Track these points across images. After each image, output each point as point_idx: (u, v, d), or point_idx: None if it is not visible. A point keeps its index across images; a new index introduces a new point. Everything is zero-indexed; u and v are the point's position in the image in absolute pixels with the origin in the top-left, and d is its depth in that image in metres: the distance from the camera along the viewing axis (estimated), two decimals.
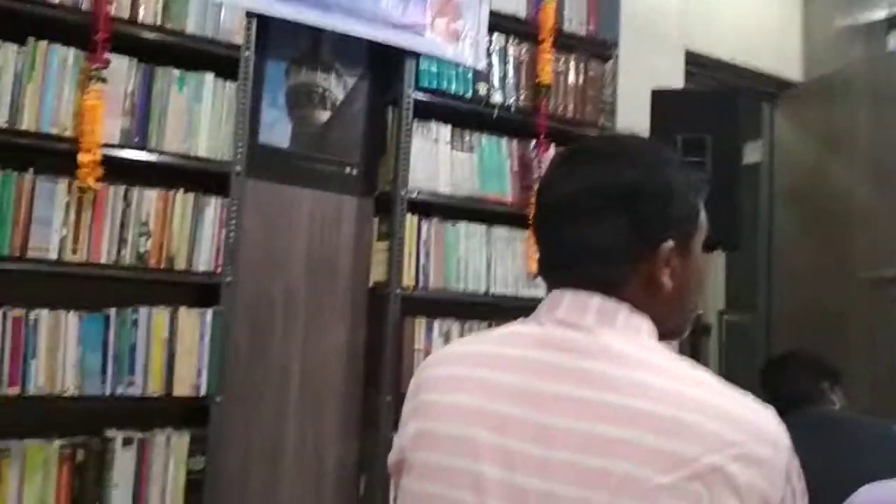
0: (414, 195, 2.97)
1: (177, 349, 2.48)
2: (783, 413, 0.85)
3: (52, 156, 2.35)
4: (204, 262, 2.56)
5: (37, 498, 2.25)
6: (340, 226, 3.08)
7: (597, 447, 0.77)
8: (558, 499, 0.76)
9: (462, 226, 3.11)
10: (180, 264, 2.52)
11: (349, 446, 3.01)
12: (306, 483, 2.91)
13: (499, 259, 3.17)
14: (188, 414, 2.63)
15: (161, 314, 2.47)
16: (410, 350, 2.97)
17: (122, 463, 2.38)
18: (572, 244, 0.91)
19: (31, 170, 2.32)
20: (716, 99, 3.14)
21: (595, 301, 0.88)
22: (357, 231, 3.11)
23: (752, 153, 4.54)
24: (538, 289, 3.19)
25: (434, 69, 3.03)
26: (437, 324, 3.03)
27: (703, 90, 3.94)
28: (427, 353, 2.93)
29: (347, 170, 3.11)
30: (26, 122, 2.31)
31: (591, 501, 0.75)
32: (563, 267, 0.93)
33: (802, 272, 4.17)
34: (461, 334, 3.04)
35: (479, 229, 3.14)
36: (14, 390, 2.25)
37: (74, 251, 2.35)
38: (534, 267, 3.17)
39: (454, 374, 0.92)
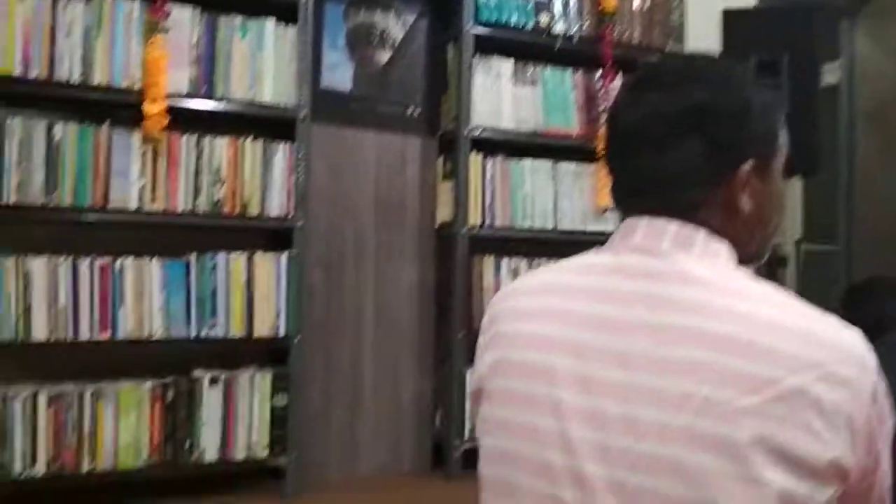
0: (477, 133, 2.95)
1: (255, 292, 2.56)
2: (867, 339, 0.83)
3: (126, 108, 2.41)
4: (276, 207, 2.62)
5: (132, 435, 2.40)
6: (405, 167, 3.09)
7: (677, 371, 0.77)
8: (639, 422, 0.77)
9: (527, 162, 3.08)
10: (253, 210, 2.58)
11: (424, 382, 3.08)
12: (385, 417, 3.01)
13: (566, 194, 3.13)
14: (269, 353, 2.73)
15: (238, 259, 2.55)
16: (479, 288, 3.00)
17: (210, 401, 2.50)
18: (646, 171, 0.89)
19: (106, 123, 2.39)
20: (791, 17, 2.98)
21: (672, 227, 0.87)
22: (422, 172, 3.11)
23: (831, 74, 4.32)
24: (607, 223, 3.15)
25: (493, 2, 2.96)
26: (504, 262, 3.04)
27: (777, 7, 3.74)
28: (496, 290, 2.94)
29: (410, 110, 3.10)
30: (98, 77, 2.37)
31: (673, 424, 0.75)
32: (637, 195, 0.92)
33: (885, 198, 3.99)
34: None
35: (544, 165, 3.11)
36: (105, 335, 2.38)
37: (153, 200, 2.44)
38: (602, 201, 3.13)
39: (529, 304, 0.93)
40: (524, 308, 0.95)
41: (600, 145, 3.11)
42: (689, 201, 0.89)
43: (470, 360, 2.83)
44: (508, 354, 0.93)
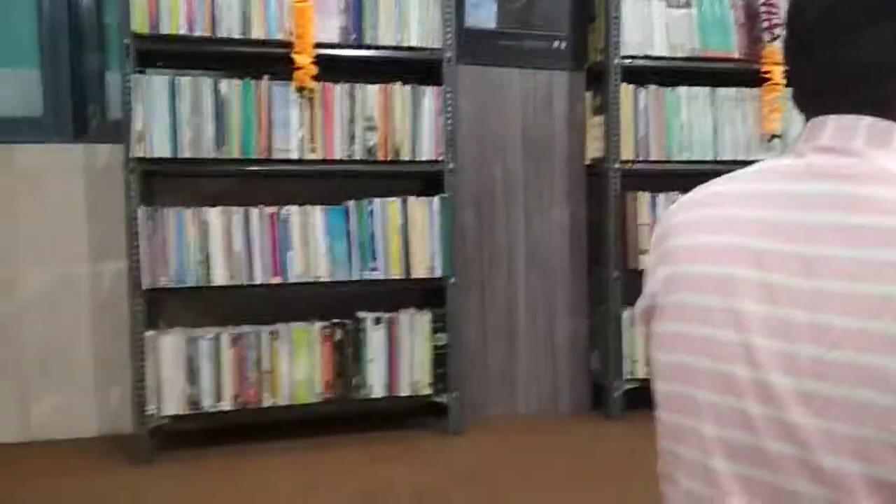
0: (627, 62, 2.82)
1: (410, 235, 2.62)
2: None
3: (284, 61, 2.50)
4: (426, 151, 2.65)
5: (306, 372, 2.55)
6: (553, 103, 3.02)
7: (874, 274, 0.70)
8: (831, 330, 0.71)
9: (683, 90, 2.91)
10: (405, 155, 2.62)
11: (579, 322, 3.05)
12: (541, 357, 3.01)
13: (726, 122, 2.94)
14: (427, 294, 2.80)
15: (393, 204, 2.61)
16: (634, 225, 2.90)
17: (375, 340, 2.60)
18: (834, 64, 0.81)
19: (265, 76, 2.50)
20: None
21: (865, 122, 0.78)
22: (570, 107, 3.03)
23: None
24: (773, 151, 2.94)
25: None
26: (660, 197, 2.92)
27: None
28: (652, 227, 2.84)
29: (556, 44, 3.01)
30: (255, 31, 2.47)
31: (869, 330, 0.69)
32: (824, 92, 0.83)
33: None
34: None
35: (701, 92, 2.93)
36: (277, 279, 2.53)
37: (313, 150, 2.53)
38: (768, 126, 2.92)
39: (703, 215, 0.88)
40: (697, 219, 0.90)
41: (764, 67, 2.89)
42: (883, 94, 0.80)
43: (625, 301, 2.76)
44: (682, 268, 0.89)
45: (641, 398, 2.72)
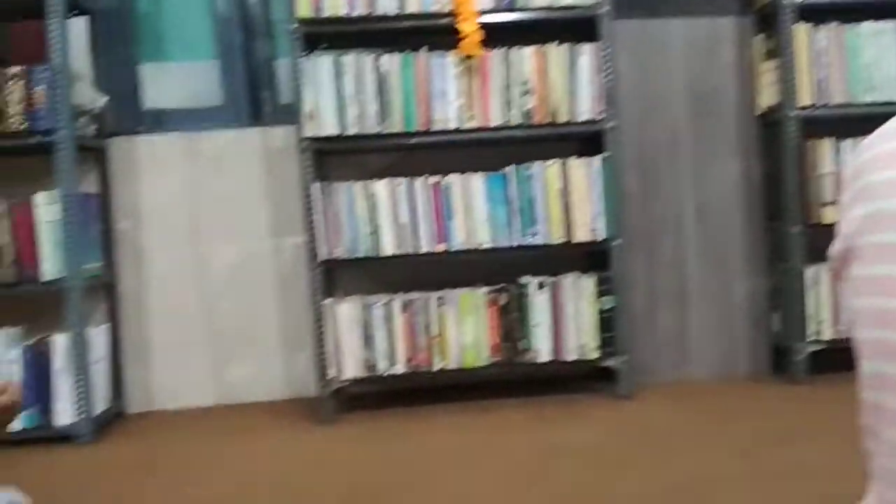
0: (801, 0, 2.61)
1: (571, 198, 2.59)
2: None
3: (438, 33, 2.54)
4: (585, 111, 2.59)
5: (473, 336, 2.60)
6: (718, 51, 2.86)
7: None
8: None
9: (866, 26, 2.66)
10: (563, 116, 2.59)
11: (756, 282, 2.89)
12: (715, 319, 2.89)
13: None
14: (590, 258, 2.76)
15: (552, 167, 2.59)
16: (815, 176, 2.70)
17: (539, 305, 2.61)
18: None
19: (423, 49, 2.55)
20: None
21: None
22: (738, 54, 2.85)
23: None
24: None
25: None
26: (845, 144, 2.69)
27: None
28: (837, 177, 2.63)
29: None
30: (411, 6, 2.52)
31: None
32: None
33: None
34: None
35: (888, 26, 2.66)
36: (441, 247, 2.59)
37: (471, 118, 2.56)
38: None
39: None
40: None
41: None
42: None
43: (808, 258, 2.58)
44: (883, 205, 0.81)
45: (828, 361, 2.56)
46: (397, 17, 2.52)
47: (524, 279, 2.64)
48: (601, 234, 2.60)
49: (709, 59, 2.85)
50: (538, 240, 2.59)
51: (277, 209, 2.92)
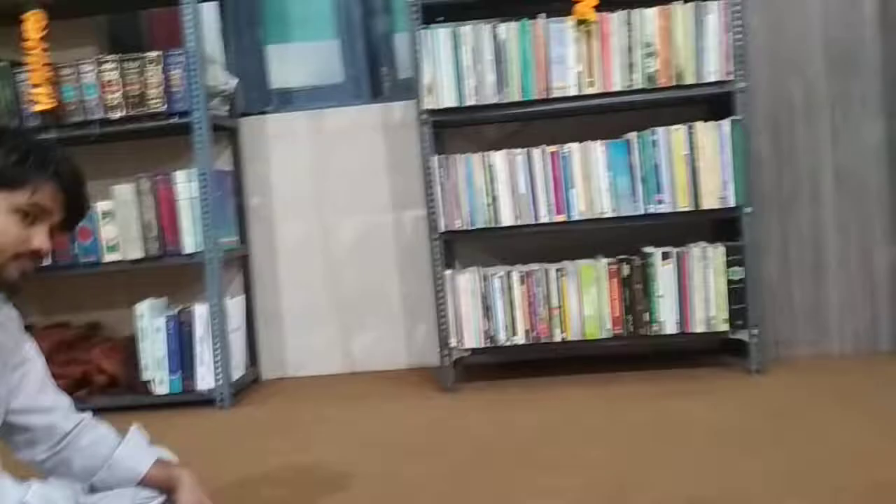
0: None
1: (698, 164, 2.48)
2: None
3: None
4: (712, 72, 2.47)
5: (594, 307, 2.55)
6: (859, 3, 2.64)
7: None
8: None
9: None
10: (689, 78, 2.48)
11: None
12: (856, 290, 2.70)
13: None
14: (719, 226, 2.65)
15: (678, 132, 2.49)
16: None
17: (664, 275, 2.52)
18: None
19: (541, 15, 2.50)
20: None
21: None
22: (882, 5, 2.63)
23: None
24: None
25: None
26: None
27: None
28: None
29: None
30: None
31: None
32: None
33: None
34: None
35: None
36: (561, 217, 2.55)
37: (591, 84, 2.50)
38: None
39: None
40: None
41: None
42: None
43: None
44: None
45: None
46: None
47: (648, 249, 2.56)
48: (731, 202, 2.48)
49: (849, 12, 2.65)
50: (663, 208, 2.51)
51: (398, 182, 2.97)
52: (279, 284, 3.06)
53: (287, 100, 3.18)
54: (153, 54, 2.63)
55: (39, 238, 1.11)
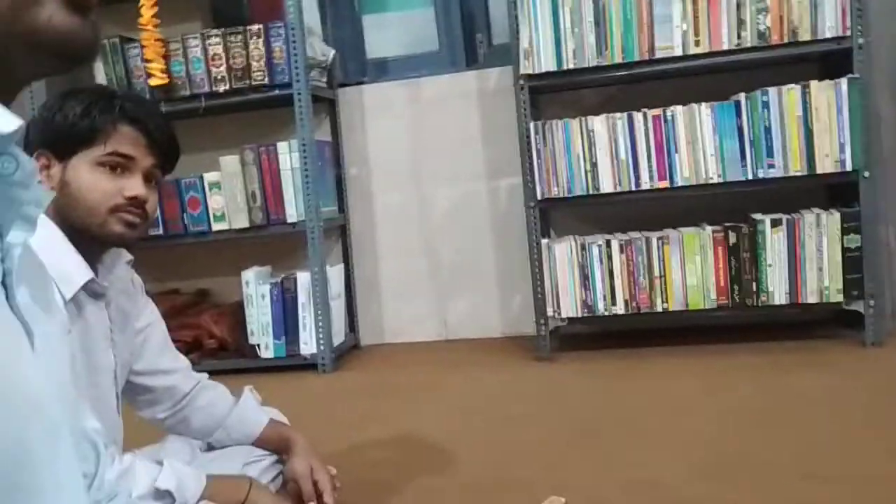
0: None
1: (813, 126, 2.34)
2: None
3: None
4: (829, 28, 2.32)
5: (698, 278, 2.47)
6: None
7: None
8: None
9: None
10: (804, 35, 2.33)
11: None
12: None
13: None
14: (835, 192, 2.51)
15: (791, 91, 2.36)
16: None
17: (773, 244, 2.41)
18: None
19: None
20: None
21: None
22: None
23: None
24: None
25: None
26: None
27: None
28: None
29: None
30: None
31: None
32: None
33: None
34: None
35: None
36: (663, 184, 2.47)
37: (697, 43, 2.39)
38: None
39: None
40: None
41: None
42: None
43: None
44: None
45: None
46: None
47: (757, 216, 2.45)
48: (848, 165, 2.33)
49: None
50: (774, 173, 2.39)
51: (493, 150, 2.95)
52: (377, 253, 3.11)
53: (383, 69, 3.20)
54: (255, 27, 2.69)
55: (131, 185, 1.09)
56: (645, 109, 2.46)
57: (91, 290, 1.12)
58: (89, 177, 1.08)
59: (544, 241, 2.57)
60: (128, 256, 1.25)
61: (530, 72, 2.49)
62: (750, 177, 2.40)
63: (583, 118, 2.50)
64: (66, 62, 0.50)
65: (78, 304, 1.10)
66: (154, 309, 1.36)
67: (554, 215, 2.80)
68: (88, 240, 1.09)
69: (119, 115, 1.09)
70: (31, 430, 0.46)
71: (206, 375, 1.46)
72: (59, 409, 0.52)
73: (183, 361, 1.42)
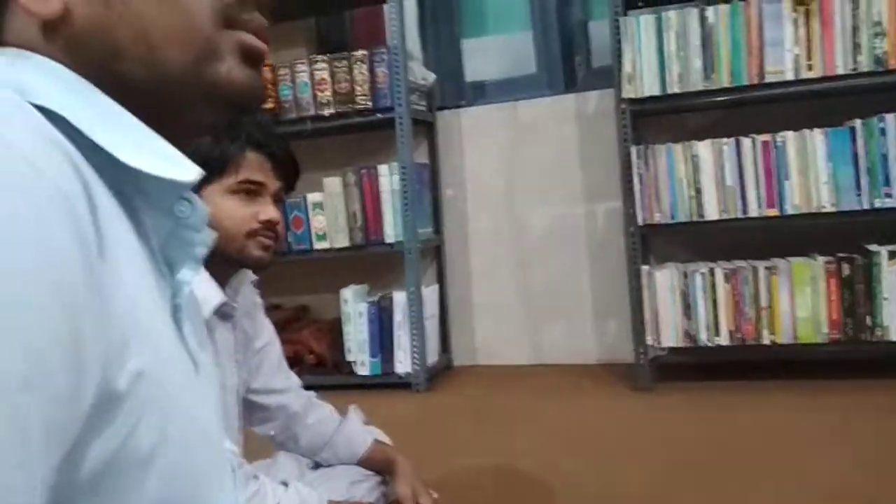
0: None
1: None
2: None
3: None
4: None
5: (808, 310, 2.37)
6: None
7: None
8: None
9: None
10: None
11: None
12: None
13: None
14: None
15: None
16: None
17: (891, 276, 2.29)
18: None
19: None
20: None
21: None
22: None
23: None
24: None
25: None
26: None
27: None
28: None
29: None
30: None
31: None
32: None
33: None
34: None
35: None
36: (773, 211, 2.39)
37: (809, 67, 2.31)
38: None
39: None
40: None
41: None
42: None
43: None
44: None
45: None
46: None
47: (872, 247, 2.34)
48: None
49: None
50: (891, 203, 2.27)
51: (591, 173, 2.92)
52: (471, 274, 3.12)
53: (481, 92, 3.23)
54: (360, 53, 2.76)
55: (265, 210, 1.13)
56: (753, 135, 2.39)
57: (222, 312, 1.17)
58: (224, 205, 1.12)
59: (645, 268, 2.52)
60: (252, 277, 1.30)
61: (633, 96, 2.46)
62: (865, 206, 2.29)
63: (687, 143, 2.45)
64: (238, 111, 0.53)
65: (209, 326, 1.14)
66: (272, 329, 1.41)
67: (654, 241, 2.75)
68: (221, 263, 1.14)
69: (246, 142, 1.13)
70: (203, 461, 0.49)
71: (314, 394, 1.49)
72: (220, 438, 0.55)
73: (294, 380, 1.46)
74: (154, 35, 0.47)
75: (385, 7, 2.82)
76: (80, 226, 0.37)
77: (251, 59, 0.52)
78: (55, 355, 0.35)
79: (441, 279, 3.11)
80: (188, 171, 0.48)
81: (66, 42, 0.47)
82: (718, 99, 2.42)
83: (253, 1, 0.52)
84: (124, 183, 0.47)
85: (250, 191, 1.14)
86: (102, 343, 0.38)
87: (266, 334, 1.38)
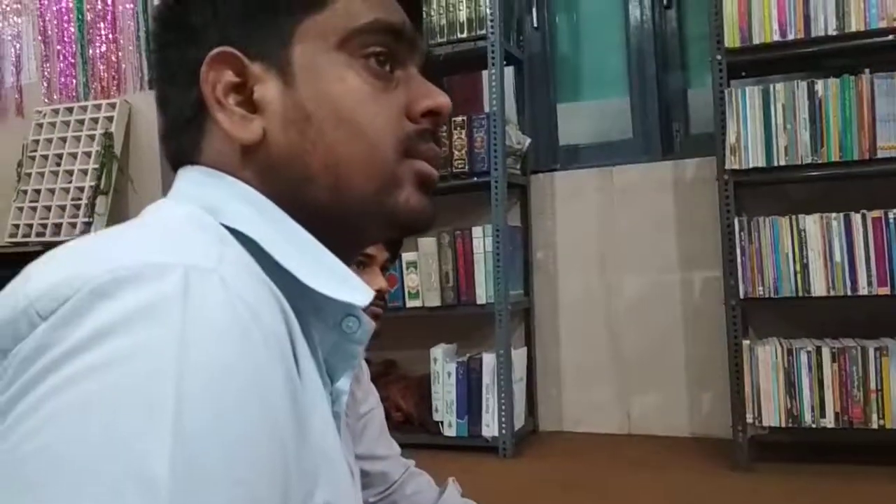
0: None
1: None
2: None
3: (884, 51, 2.27)
4: None
5: None
6: None
7: None
8: None
9: None
10: None
11: None
12: None
13: None
14: None
15: None
16: None
17: None
18: None
19: (865, 70, 2.30)
20: None
21: None
22: None
23: None
24: None
25: None
26: None
27: None
28: None
29: None
30: (854, 23, 2.29)
31: None
32: None
33: None
34: None
35: None
36: (883, 290, 2.29)
37: None
38: None
39: None
40: None
41: None
42: None
43: None
44: None
45: None
46: (836, 38, 2.30)
47: None
48: None
49: None
50: None
51: (687, 242, 2.88)
52: (560, 338, 3.09)
53: (575, 156, 3.24)
54: (460, 118, 2.83)
55: (376, 281, 1.18)
56: (864, 210, 2.31)
57: None
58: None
59: (745, 342, 2.44)
60: None
61: (736, 167, 2.43)
62: None
63: (793, 216, 2.39)
64: (408, 233, 0.56)
65: None
66: (377, 394, 1.43)
67: (753, 314, 2.66)
68: None
69: None
70: None
71: (412, 463, 1.50)
72: None
73: (395, 448, 1.47)
74: (343, 165, 0.51)
75: (484, 73, 2.89)
76: (288, 365, 0.40)
77: (425, 185, 0.55)
78: (267, 494, 0.37)
79: (529, 342, 3.09)
80: (362, 295, 0.51)
81: (260, 166, 0.50)
82: (826, 173, 2.36)
83: (430, 132, 0.55)
84: (299, 299, 0.49)
85: (360, 262, 1.19)
86: (301, 477, 0.40)
87: (372, 400, 1.40)
